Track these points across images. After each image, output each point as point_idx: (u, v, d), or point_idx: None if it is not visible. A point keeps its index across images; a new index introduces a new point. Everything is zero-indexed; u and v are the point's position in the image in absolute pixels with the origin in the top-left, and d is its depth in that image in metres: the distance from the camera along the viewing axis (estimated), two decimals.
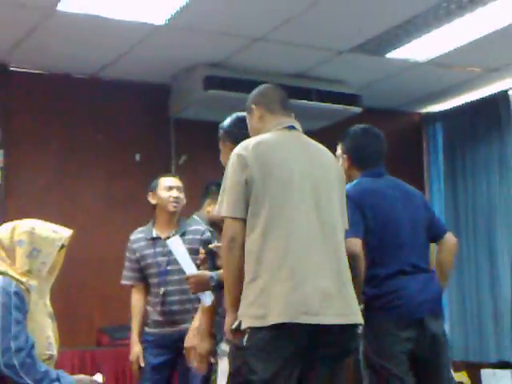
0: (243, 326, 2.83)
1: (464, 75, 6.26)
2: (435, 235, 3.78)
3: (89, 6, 4.70)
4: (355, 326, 2.95)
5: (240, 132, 3.29)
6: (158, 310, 4.49)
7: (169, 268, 4.43)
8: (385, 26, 5.14)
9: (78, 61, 5.74)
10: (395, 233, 3.55)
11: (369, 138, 3.80)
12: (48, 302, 3.21)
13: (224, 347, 3.63)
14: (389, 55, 5.71)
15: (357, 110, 6.14)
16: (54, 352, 3.15)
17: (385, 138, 3.86)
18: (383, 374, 3.40)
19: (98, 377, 3.21)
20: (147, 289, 4.60)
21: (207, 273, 3.44)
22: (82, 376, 3.21)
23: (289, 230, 2.88)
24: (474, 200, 6.83)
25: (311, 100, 5.98)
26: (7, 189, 5.61)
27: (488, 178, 6.71)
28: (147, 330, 4.58)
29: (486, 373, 6.29)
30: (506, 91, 6.53)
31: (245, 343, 2.83)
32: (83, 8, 4.73)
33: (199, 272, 3.53)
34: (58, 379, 3.00)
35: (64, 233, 3.22)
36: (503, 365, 6.24)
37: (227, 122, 3.43)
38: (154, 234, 4.56)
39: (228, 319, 2.98)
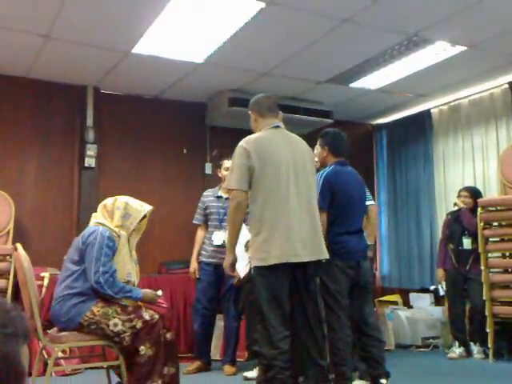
0: (252, 265, 2.92)
1: (401, 98, 6.23)
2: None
3: (153, 49, 4.71)
4: (322, 260, 3.02)
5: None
6: (211, 243, 4.54)
7: (222, 217, 4.50)
8: (349, 65, 5.15)
9: (146, 86, 5.74)
10: (349, 204, 3.55)
11: (341, 138, 3.79)
12: (134, 252, 3.28)
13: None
14: (351, 85, 5.70)
15: (329, 121, 6.10)
16: (132, 279, 3.21)
17: (348, 140, 3.89)
18: (331, 293, 3.38)
19: (159, 292, 3.28)
20: (206, 229, 4.63)
21: None
22: (147, 290, 3.26)
23: (280, 200, 2.92)
24: (406, 183, 6.80)
25: (299, 114, 5.96)
26: (99, 171, 5.63)
27: (416, 169, 6.68)
28: (203, 258, 4.57)
29: (413, 295, 6.30)
30: (429, 110, 6.50)
31: (254, 276, 2.93)
32: (149, 51, 4.74)
33: None
34: (130, 291, 3.08)
35: (147, 207, 3.30)
36: (424, 290, 6.25)
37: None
38: (219, 193, 4.64)
39: (227, 258, 3.03)
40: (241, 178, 2.92)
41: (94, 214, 3.25)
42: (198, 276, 4.56)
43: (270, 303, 2.84)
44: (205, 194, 4.76)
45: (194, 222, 4.71)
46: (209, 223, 4.63)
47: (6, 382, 0.80)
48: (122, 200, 3.23)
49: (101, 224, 3.13)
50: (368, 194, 4.07)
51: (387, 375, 3.56)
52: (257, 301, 2.90)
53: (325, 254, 3.02)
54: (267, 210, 2.90)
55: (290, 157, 2.99)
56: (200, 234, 4.67)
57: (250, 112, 3.23)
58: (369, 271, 3.75)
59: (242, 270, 3.72)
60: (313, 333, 2.98)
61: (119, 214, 3.18)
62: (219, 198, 4.65)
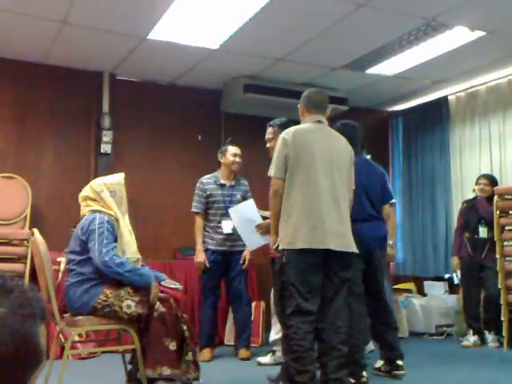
0: (280, 248, 3.02)
1: (418, 85, 6.16)
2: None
3: (169, 35, 4.70)
4: (352, 253, 3.07)
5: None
6: (218, 231, 4.49)
7: (228, 205, 4.41)
8: (364, 50, 5.09)
9: (161, 72, 5.74)
10: (367, 193, 3.66)
11: (356, 129, 3.87)
12: (127, 221, 3.28)
13: None
14: (367, 71, 5.65)
15: (345, 108, 6.05)
16: (139, 256, 3.26)
17: (362, 131, 3.92)
18: None
19: (179, 286, 3.26)
20: (206, 217, 4.56)
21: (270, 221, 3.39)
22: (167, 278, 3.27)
23: (312, 189, 3.01)
24: (422, 171, 6.74)
25: None
26: (115, 157, 5.64)
27: (432, 157, 6.61)
28: (211, 247, 4.51)
29: (427, 284, 6.26)
30: (446, 97, 6.43)
31: (283, 258, 3.02)
32: (165, 36, 4.73)
33: (266, 221, 3.52)
34: (141, 273, 3.08)
35: (121, 175, 3.33)
36: (439, 278, 6.22)
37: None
38: (222, 181, 4.59)
39: (271, 239, 3.14)
40: (278, 167, 3.06)
41: (83, 205, 3.25)
42: (207, 265, 4.48)
43: (298, 287, 2.94)
44: (204, 181, 4.61)
45: (194, 210, 4.55)
46: (212, 211, 4.53)
47: (25, 361, 0.82)
48: (97, 183, 3.26)
49: (97, 211, 3.15)
50: (389, 192, 4.01)
51: (402, 357, 3.72)
52: (288, 281, 3.00)
53: (354, 248, 3.08)
54: (299, 197, 3.01)
55: (326, 150, 3.09)
56: (200, 222, 4.54)
57: (298, 105, 3.32)
58: (380, 267, 3.76)
59: (256, 243, 3.73)
60: (336, 322, 3.02)
61: (107, 194, 3.20)
62: (222, 185, 4.57)
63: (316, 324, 2.96)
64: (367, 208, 3.67)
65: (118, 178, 3.31)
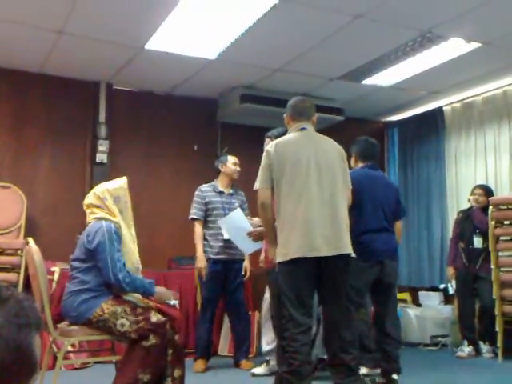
0: (275, 261, 3.01)
1: (413, 96, 6.18)
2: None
3: (166, 45, 4.71)
4: (346, 255, 3.01)
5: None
6: (219, 238, 4.47)
7: (227, 212, 4.42)
8: (361, 62, 5.11)
9: (158, 82, 5.74)
10: (383, 207, 3.71)
11: (370, 144, 4.01)
12: (133, 231, 3.27)
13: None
14: (363, 82, 5.66)
15: (341, 118, 6.07)
16: (140, 266, 3.25)
17: (378, 145, 4.06)
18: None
19: (175, 301, 3.23)
20: (205, 224, 4.54)
21: (262, 228, 3.39)
22: (163, 289, 3.23)
23: (300, 196, 2.98)
24: (417, 181, 6.75)
25: None
26: (111, 167, 5.62)
27: (428, 167, 6.63)
28: (211, 255, 4.49)
29: (422, 294, 6.27)
30: (441, 107, 6.46)
31: (278, 271, 3.01)
32: (162, 47, 4.73)
33: (258, 228, 3.51)
34: (145, 287, 3.09)
35: (123, 180, 3.29)
36: (433, 289, 6.22)
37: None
38: (220, 189, 4.61)
39: (270, 252, 3.13)
40: (262, 178, 3.07)
41: (88, 212, 3.23)
42: (206, 273, 4.47)
43: (291, 298, 2.92)
44: (202, 189, 4.63)
45: (194, 216, 4.53)
46: (211, 219, 4.52)
47: (18, 371, 0.81)
48: (100, 190, 3.21)
49: (102, 218, 3.14)
50: (403, 208, 4.15)
51: (399, 371, 3.69)
52: (279, 295, 2.99)
53: (348, 249, 3.03)
54: (287, 207, 2.99)
55: (312, 155, 3.06)
56: (200, 228, 4.53)
57: (284, 115, 3.33)
58: (393, 272, 3.80)
59: (250, 247, 3.75)
60: (336, 329, 3.01)
61: (110, 202, 3.18)
62: (221, 193, 4.60)
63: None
64: (382, 220, 3.73)
65: (122, 182, 3.28)
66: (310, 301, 2.98)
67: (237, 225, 3.77)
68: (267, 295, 4.27)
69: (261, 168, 3.10)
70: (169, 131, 6.03)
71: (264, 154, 3.11)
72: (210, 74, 5.39)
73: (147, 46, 4.73)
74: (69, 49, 4.81)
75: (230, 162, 4.66)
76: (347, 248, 3.01)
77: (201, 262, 4.48)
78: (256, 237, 3.48)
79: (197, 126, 6.15)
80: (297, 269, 2.92)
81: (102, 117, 5.66)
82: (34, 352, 0.85)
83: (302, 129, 3.18)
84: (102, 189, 3.22)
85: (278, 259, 2.98)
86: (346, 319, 3.03)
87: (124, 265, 3.03)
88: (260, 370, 4.20)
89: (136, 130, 5.91)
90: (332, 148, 3.20)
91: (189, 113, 6.11)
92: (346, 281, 3.04)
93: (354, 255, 3.08)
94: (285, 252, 2.95)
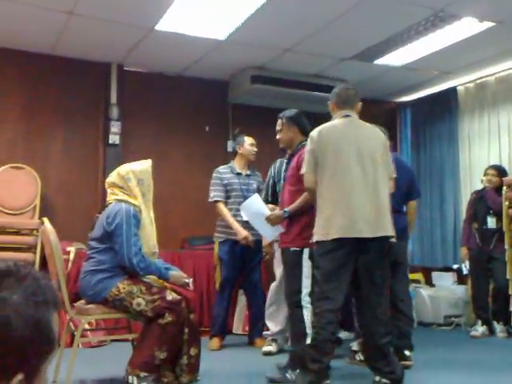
0: (314, 240, 3.08)
1: (426, 76, 6.13)
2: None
3: (176, 26, 4.71)
4: (386, 238, 3.08)
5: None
6: (238, 219, 4.40)
7: (245, 193, 4.41)
8: (373, 41, 5.07)
9: (168, 63, 5.73)
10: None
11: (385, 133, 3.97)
12: (152, 214, 3.30)
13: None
14: (375, 62, 5.62)
15: None
16: (157, 250, 3.27)
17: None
18: None
19: (189, 280, 3.27)
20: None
21: (281, 211, 3.46)
22: (176, 273, 3.25)
23: (342, 180, 3.08)
24: (430, 161, 6.72)
25: (323, 92, 5.87)
26: (124, 148, 5.65)
27: (440, 147, 6.59)
28: (230, 236, 4.47)
29: (435, 274, 6.27)
30: (455, 87, 6.40)
31: (315, 249, 3.11)
32: (172, 27, 4.73)
33: (275, 212, 3.55)
34: (161, 272, 3.12)
35: (148, 162, 3.30)
36: (447, 269, 6.22)
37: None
38: (238, 170, 4.60)
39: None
40: (307, 163, 3.16)
41: (109, 192, 3.24)
42: (221, 256, 4.47)
43: (327, 276, 3.00)
44: (220, 170, 4.60)
45: (217, 198, 4.50)
46: (230, 200, 4.51)
47: (38, 346, 0.83)
48: (125, 170, 3.20)
49: (122, 201, 3.14)
50: (417, 189, 4.20)
51: (411, 347, 3.77)
52: (318, 271, 3.07)
53: (388, 232, 3.09)
54: (329, 190, 3.07)
55: (354, 142, 3.13)
56: (225, 209, 4.48)
57: (328, 102, 3.38)
58: (401, 251, 3.84)
59: (271, 234, 3.77)
60: (372, 310, 3.07)
61: (134, 183, 3.17)
62: (239, 174, 4.58)
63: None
64: (391, 200, 3.72)
65: (147, 165, 3.27)
66: (345, 281, 3.03)
67: (255, 210, 3.75)
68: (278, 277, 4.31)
69: (306, 153, 3.19)
70: (180, 113, 6.04)
71: (309, 139, 3.19)
72: (221, 54, 5.37)
73: (157, 27, 4.72)
74: (80, 30, 4.81)
75: (247, 143, 4.63)
76: (387, 231, 3.08)
77: (241, 233, 4.39)
78: (273, 221, 3.49)
79: (208, 107, 6.14)
80: (337, 248, 3.00)
81: (114, 98, 5.67)
82: (53, 329, 0.87)
83: (346, 116, 3.25)
84: (126, 169, 3.21)
85: (317, 238, 3.06)
86: (381, 300, 3.09)
87: (140, 249, 3.05)
88: (270, 348, 4.25)
89: (147, 112, 5.91)
90: (374, 135, 3.26)
91: (200, 94, 6.11)
92: (384, 263, 3.12)
93: (394, 239, 3.15)
94: (325, 232, 3.03)
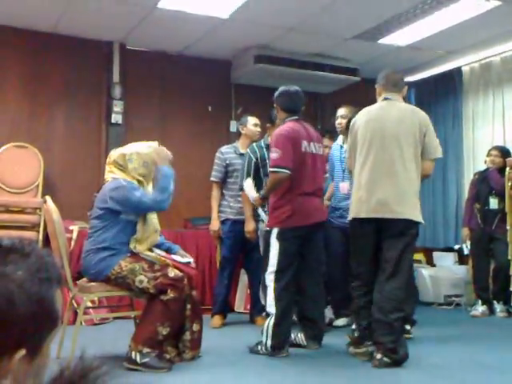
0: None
1: (431, 55, 6.08)
2: None
3: (178, 4, 4.67)
4: (404, 220, 3.17)
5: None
6: (239, 199, 4.44)
7: None
8: (377, 20, 5.03)
9: (171, 42, 5.69)
10: None
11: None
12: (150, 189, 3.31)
13: (262, 226, 3.82)
14: (379, 41, 5.57)
15: (356, 79, 6.01)
16: (158, 228, 3.30)
17: None
18: None
19: (190, 259, 3.34)
20: (226, 186, 4.57)
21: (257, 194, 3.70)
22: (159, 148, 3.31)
23: (364, 164, 3.23)
24: None
25: (326, 71, 5.89)
26: (126, 127, 5.66)
27: (445, 128, 6.52)
28: (230, 216, 4.50)
29: (436, 254, 6.29)
30: (459, 67, 6.34)
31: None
32: (174, 5, 4.70)
33: (256, 195, 3.71)
34: (169, 192, 3.18)
35: (155, 143, 3.34)
36: (448, 249, 6.23)
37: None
38: (241, 150, 4.58)
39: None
40: (347, 147, 3.48)
41: (107, 169, 3.26)
42: (221, 235, 4.51)
43: (354, 251, 3.34)
44: (223, 150, 4.63)
45: (214, 179, 4.58)
46: (231, 180, 4.53)
47: (41, 322, 0.84)
48: (129, 151, 3.22)
49: (119, 179, 3.17)
50: None
51: (412, 322, 3.91)
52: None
53: (408, 215, 3.17)
54: (356, 173, 3.28)
55: (381, 125, 3.23)
56: (217, 191, 4.56)
57: (375, 86, 3.48)
58: None
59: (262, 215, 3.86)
60: (378, 286, 3.18)
61: (135, 164, 3.19)
62: (242, 155, 4.56)
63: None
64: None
65: (151, 147, 3.30)
66: (368, 257, 3.23)
67: (249, 194, 3.83)
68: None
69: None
70: (183, 92, 6.02)
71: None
72: (223, 33, 5.34)
73: (159, 5, 4.69)
74: (82, 8, 4.79)
75: (251, 124, 4.61)
76: (406, 213, 3.16)
77: (214, 224, 4.53)
78: (256, 203, 3.74)
79: (211, 87, 6.12)
80: (356, 229, 3.27)
81: (116, 77, 5.66)
82: (56, 306, 0.87)
83: (385, 99, 3.33)
84: (131, 150, 3.23)
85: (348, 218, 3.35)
86: (392, 278, 3.16)
87: (146, 195, 3.11)
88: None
89: (150, 91, 5.90)
90: (409, 118, 3.27)
91: (202, 74, 6.08)
92: (403, 244, 3.17)
93: (418, 220, 3.23)
94: (349, 213, 3.32)
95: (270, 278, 3.43)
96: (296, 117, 3.59)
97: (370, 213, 3.16)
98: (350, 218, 3.31)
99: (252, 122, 4.62)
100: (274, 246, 3.42)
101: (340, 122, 4.43)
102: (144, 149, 3.26)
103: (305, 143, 3.51)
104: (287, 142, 3.42)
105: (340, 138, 4.58)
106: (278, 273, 3.40)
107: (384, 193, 3.13)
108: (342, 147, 4.46)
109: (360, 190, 3.22)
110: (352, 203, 3.30)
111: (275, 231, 3.44)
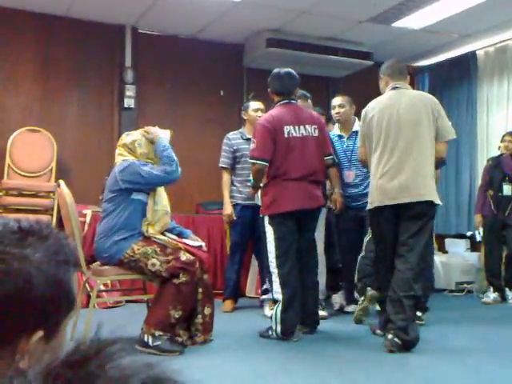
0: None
1: (445, 39, 6.02)
2: None
3: None
4: (423, 202, 3.19)
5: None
6: (248, 185, 4.38)
7: None
8: (391, 3, 4.98)
9: (182, 26, 5.68)
10: None
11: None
12: None
13: None
14: (393, 24, 5.52)
15: (369, 63, 5.95)
16: (168, 209, 3.32)
17: None
18: None
19: (201, 243, 3.37)
20: (234, 172, 4.59)
21: None
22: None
23: (382, 152, 3.26)
24: None
25: (339, 55, 5.85)
26: (138, 112, 5.66)
27: (458, 113, 6.49)
28: (240, 201, 4.52)
29: (448, 241, 6.27)
30: (474, 51, 6.27)
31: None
32: None
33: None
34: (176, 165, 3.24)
35: (168, 133, 3.38)
36: (460, 236, 6.22)
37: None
38: (247, 135, 4.55)
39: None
40: (359, 137, 3.53)
41: (117, 152, 3.31)
42: (234, 218, 4.52)
43: (376, 237, 3.40)
44: (230, 136, 4.63)
45: (222, 165, 4.58)
46: (240, 166, 4.54)
47: (58, 306, 0.85)
48: (138, 136, 3.28)
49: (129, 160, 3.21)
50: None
51: (424, 309, 3.93)
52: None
53: (426, 197, 3.20)
54: (371, 161, 3.33)
55: (393, 112, 3.26)
56: (227, 177, 4.57)
57: (381, 76, 3.48)
58: None
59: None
60: (398, 268, 3.22)
61: (144, 149, 3.25)
62: (248, 140, 4.49)
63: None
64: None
65: (167, 135, 3.35)
66: (388, 242, 3.26)
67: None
68: None
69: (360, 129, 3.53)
70: (195, 76, 6.01)
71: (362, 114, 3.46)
72: (235, 16, 5.31)
73: None
74: None
75: (252, 109, 4.58)
76: (426, 195, 3.19)
77: (227, 209, 4.54)
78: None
79: (223, 71, 6.10)
80: (378, 217, 3.28)
81: (129, 61, 5.66)
82: (72, 289, 0.88)
83: (394, 88, 3.35)
84: (140, 136, 3.28)
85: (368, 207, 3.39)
86: (407, 257, 3.19)
87: (159, 172, 3.16)
88: (268, 311, 4.27)
89: (162, 75, 5.90)
90: (421, 103, 3.30)
91: (215, 58, 6.06)
92: (419, 226, 3.19)
93: (438, 202, 3.24)
94: (370, 201, 3.32)
95: (273, 265, 3.44)
96: (287, 100, 3.56)
97: (394, 199, 3.19)
98: (372, 206, 3.30)
99: (253, 107, 4.59)
100: (269, 232, 3.47)
101: (338, 111, 4.36)
102: (151, 132, 3.31)
103: (289, 128, 3.47)
104: (265, 131, 3.44)
105: (336, 127, 4.48)
106: (279, 258, 3.42)
107: (406, 178, 3.17)
108: (341, 137, 4.39)
109: (381, 178, 3.23)
110: (372, 192, 3.31)
111: (266, 218, 3.50)
